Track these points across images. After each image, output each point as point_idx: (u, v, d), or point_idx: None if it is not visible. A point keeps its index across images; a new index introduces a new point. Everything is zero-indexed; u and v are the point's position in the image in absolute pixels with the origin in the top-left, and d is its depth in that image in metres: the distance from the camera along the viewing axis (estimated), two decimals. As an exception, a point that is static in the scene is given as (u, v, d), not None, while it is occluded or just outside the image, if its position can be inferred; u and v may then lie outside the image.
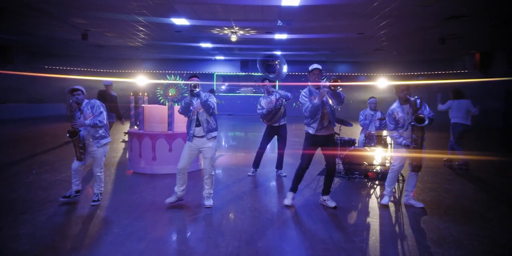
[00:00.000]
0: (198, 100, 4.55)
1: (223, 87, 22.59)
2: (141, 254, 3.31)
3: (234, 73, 22.32)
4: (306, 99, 4.52)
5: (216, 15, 9.79)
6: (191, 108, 4.58)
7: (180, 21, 10.59)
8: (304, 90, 4.62)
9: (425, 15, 9.26)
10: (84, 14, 9.78)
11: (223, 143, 11.06)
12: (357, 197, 5.28)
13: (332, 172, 4.73)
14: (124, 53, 19.17)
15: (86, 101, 4.69)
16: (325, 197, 4.78)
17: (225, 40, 13.76)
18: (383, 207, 4.74)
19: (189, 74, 4.70)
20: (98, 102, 4.72)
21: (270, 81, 6.04)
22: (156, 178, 6.09)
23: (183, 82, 5.33)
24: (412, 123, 4.55)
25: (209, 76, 22.44)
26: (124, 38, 13.78)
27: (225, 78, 22.55)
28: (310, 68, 4.58)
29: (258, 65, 5.83)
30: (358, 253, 3.41)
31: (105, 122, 4.63)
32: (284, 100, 6.02)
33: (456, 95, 7.41)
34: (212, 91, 15.01)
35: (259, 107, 6.14)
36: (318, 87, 4.49)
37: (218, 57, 21.05)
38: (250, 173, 6.46)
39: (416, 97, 4.67)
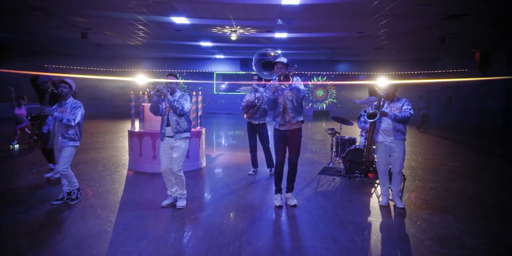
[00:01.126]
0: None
1: (223, 86, 22.56)
2: (141, 253, 3.30)
3: (234, 72, 22.30)
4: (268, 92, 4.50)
5: (216, 14, 9.77)
6: (161, 107, 4.49)
7: (180, 20, 10.56)
8: (269, 83, 4.57)
9: (424, 14, 9.25)
10: (83, 12, 9.75)
11: (223, 142, 11.06)
12: (358, 196, 5.27)
13: (293, 167, 4.67)
14: (123, 52, 19.13)
15: (72, 99, 4.60)
16: (287, 195, 4.72)
17: (225, 39, 13.73)
18: (384, 207, 4.74)
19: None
20: (82, 108, 4.59)
21: (260, 78, 5.97)
22: (156, 177, 6.06)
23: (167, 81, 5.11)
24: (363, 115, 4.66)
25: (209, 75, 22.42)
26: (123, 37, 13.75)
27: (225, 77, 22.53)
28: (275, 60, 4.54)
29: (253, 62, 5.53)
30: (360, 252, 3.40)
31: (72, 123, 4.44)
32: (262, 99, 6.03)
33: (374, 92, 7.80)
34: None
35: (243, 100, 6.30)
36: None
37: (218, 56, 21.02)
38: (250, 172, 6.46)
39: (402, 99, 4.71)
